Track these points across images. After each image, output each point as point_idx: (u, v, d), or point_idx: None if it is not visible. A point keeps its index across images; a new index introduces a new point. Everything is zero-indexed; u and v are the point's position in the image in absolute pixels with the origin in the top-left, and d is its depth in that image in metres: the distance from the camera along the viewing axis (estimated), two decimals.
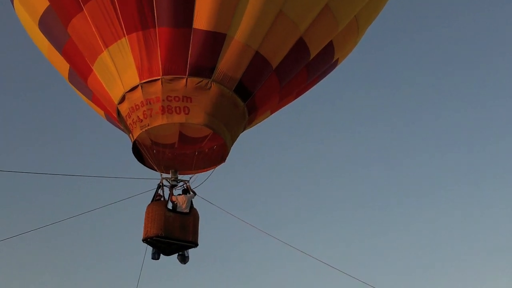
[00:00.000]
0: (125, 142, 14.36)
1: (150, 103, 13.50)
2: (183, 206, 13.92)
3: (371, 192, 36.19)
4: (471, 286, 32.46)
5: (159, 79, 13.41)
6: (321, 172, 36.83)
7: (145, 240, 13.58)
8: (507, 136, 37.03)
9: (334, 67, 16.50)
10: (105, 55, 13.65)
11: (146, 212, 13.75)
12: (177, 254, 14.17)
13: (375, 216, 35.05)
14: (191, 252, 14.11)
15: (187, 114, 13.55)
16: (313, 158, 36.98)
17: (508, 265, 32.01)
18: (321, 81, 16.64)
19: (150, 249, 13.90)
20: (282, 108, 16.31)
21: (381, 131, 37.85)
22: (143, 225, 13.61)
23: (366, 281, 14.71)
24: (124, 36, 13.44)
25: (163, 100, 13.44)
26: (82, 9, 13.58)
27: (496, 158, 36.75)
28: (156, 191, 14.17)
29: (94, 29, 13.57)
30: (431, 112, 38.20)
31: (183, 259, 14.20)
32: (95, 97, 14.72)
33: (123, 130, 14.55)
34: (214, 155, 14.75)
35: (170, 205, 13.93)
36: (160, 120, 13.54)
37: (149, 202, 13.98)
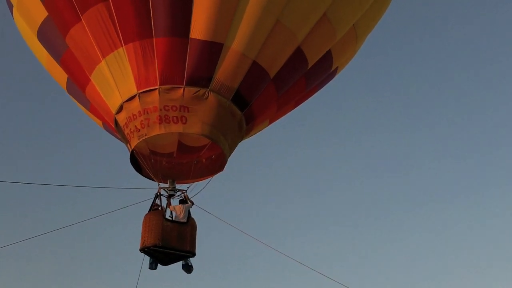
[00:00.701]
0: (123, 152, 14.44)
1: (147, 113, 13.52)
2: (180, 216, 13.94)
3: (372, 200, 36.17)
4: None
5: (156, 88, 13.44)
6: (321, 181, 36.80)
7: (142, 249, 13.55)
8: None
9: (334, 76, 16.50)
10: (102, 65, 13.69)
11: (143, 221, 13.74)
12: (181, 265, 14.17)
13: (376, 225, 34.99)
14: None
15: (185, 123, 13.57)
16: (312, 167, 36.94)
17: None
18: (321, 89, 16.64)
19: (147, 258, 13.90)
20: (281, 117, 16.33)
21: (381, 139, 37.85)
22: (141, 234, 13.62)
23: None
24: (122, 46, 13.49)
25: (160, 110, 13.46)
26: (80, 19, 13.64)
27: (502, 164, 36.62)
28: (154, 201, 14.16)
29: (92, 39, 13.62)
30: (433, 118, 38.19)
31: (188, 269, 14.18)
32: (92, 107, 14.77)
33: (120, 140, 14.59)
34: (212, 164, 14.76)
35: (167, 215, 13.98)
36: (158, 130, 13.56)
37: (147, 212, 13.99)
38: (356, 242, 34.47)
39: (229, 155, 14.60)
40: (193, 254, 13.89)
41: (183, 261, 14.11)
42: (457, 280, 32.44)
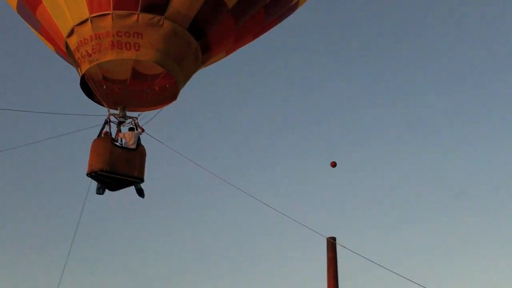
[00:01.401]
0: (75, 77, 14.31)
1: (99, 38, 13.36)
2: (130, 143, 13.96)
3: (337, 135, 36.28)
4: None
5: (109, 13, 13.22)
6: (277, 116, 36.75)
7: (90, 174, 13.58)
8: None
9: (294, 10, 16.33)
10: None
11: (91, 146, 13.73)
12: (135, 190, 14.25)
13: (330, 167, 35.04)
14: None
15: (138, 50, 13.45)
16: (271, 101, 36.86)
17: None
18: (281, 23, 16.48)
19: (94, 183, 13.93)
20: (239, 50, 16.22)
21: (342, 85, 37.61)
22: (88, 159, 13.65)
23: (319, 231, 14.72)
24: None
25: (113, 35, 13.30)
26: None
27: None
28: (103, 127, 14.14)
29: None
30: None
31: (141, 193, 14.26)
32: (43, 29, 14.47)
33: (72, 64, 14.44)
34: (166, 93, 14.69)
35: (117, 142, 14.00)
36: (110, 56, 13.43)
37: (95, 138, 13.98)
38: (311, 178, 34.94)
39: (183, 85, 14.56)
40: (142, 180, 13.96)
41: (136, 186, 14.20)
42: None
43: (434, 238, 32.07)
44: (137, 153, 13.97)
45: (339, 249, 13.49)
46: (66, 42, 13.78)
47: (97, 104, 14.57)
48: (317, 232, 13.51)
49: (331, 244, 13.51)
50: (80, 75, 13.78)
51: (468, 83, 36.54)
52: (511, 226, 32.10)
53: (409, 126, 36.11)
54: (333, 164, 14.56)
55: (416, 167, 34.69)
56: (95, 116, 14.37)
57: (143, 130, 14.29)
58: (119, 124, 14.29)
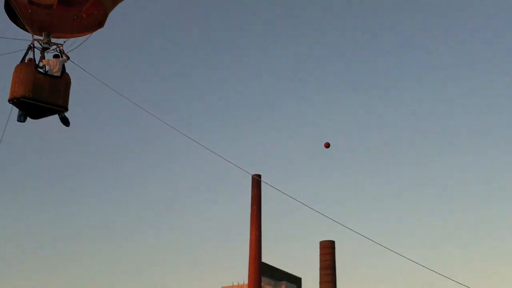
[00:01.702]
0: None
1: None
2: (54, 70, 13.64)
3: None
4: None
5: None
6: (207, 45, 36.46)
7: (12, 100, 13.23)
8: None
9: None
10: None
11: (14, 72, 13.35)
12: (60, 118, 13.95)
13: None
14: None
15: None
16: (208, 38, 36.46)
17: None
18: None
19: (16, 110, 13.57)
20: None
21: None
22: (10, 85, 13.26)
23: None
24: None
25: None
26: None
27: None
28: (26, 52, 13.72)
29: None
30: None
31: (66, 122, 13.97)
32: None
33: None
34: (93, 20, 14.29)
35: (41, 69, 13.61)
36: None
37: (18, 63, 13.55)
38: (241, 117, 35.09)
39: (110, 11, 14.19)
40: (66, 109, 13.74)
41: (61, 114, 13.91)
42: None
43: (359, 180, 33.06)
44: (62, 81, 13.68)
45: (264, 186, 13.76)
46: None
47: (21, 29, 14.07)
48: (242, 169, 13.68)
49: (256, 181, 13.77)
50: None
51: None
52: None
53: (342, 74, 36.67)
54: (327, 145, 15.15)
55: (345, 112, 35.43)
56: (18, 40, 13.89)
57: (68, 58, 13.97)
58: (43, 50, 13.90)
